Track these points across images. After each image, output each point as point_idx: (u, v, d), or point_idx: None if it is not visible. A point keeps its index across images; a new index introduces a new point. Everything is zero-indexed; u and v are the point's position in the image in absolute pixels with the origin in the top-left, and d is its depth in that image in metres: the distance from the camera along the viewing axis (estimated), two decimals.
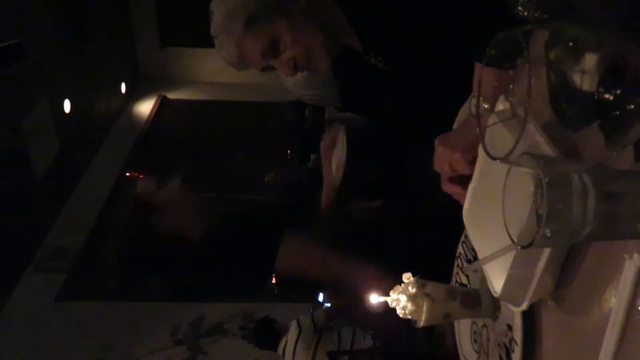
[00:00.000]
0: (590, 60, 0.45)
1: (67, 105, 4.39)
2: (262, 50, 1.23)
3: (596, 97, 0.42)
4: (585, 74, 0.48)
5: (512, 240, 0.57)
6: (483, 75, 0.73)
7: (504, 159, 0.47)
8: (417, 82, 1.23)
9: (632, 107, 0.40)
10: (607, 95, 0.41)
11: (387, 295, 0.87)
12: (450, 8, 1.10)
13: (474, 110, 0.97)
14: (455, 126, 1.10)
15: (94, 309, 3.66)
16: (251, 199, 4.94)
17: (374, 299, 0.87)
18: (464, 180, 0.98)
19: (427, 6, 1.15)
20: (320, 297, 2.88)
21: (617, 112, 0.41)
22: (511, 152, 0.45)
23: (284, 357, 2.59)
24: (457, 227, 1.04)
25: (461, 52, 1.01)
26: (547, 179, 0.51)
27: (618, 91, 0.41)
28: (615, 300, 0.61)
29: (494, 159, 0.49)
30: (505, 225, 0.62)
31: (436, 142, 1.02)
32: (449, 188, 1.03)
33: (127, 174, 4.62)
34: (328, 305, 2.77)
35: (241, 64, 1.29)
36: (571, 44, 0.42)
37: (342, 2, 1.26)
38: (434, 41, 1.13)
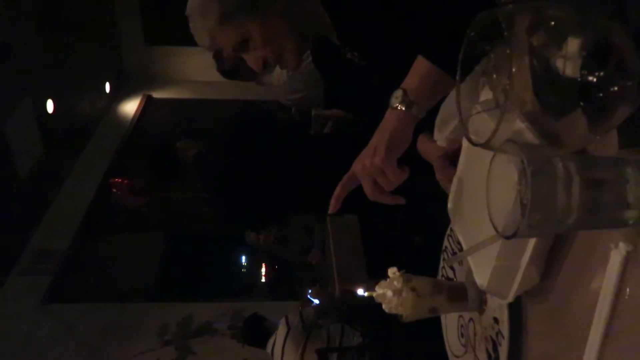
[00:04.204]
0: (573, 44, 0.44)
1: (50, 106, 4.32)
2: (233, 45, 1.25)
3: (579, 79, 0.41)
4: (569, 59, 0.47)
5: (497, 231, 0.56)
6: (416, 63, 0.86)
7: (486, 145, 0.46)
8: (393, 78, 1.22)
9: (616, 88, 0.39)
10: (590, 78, 0.40)
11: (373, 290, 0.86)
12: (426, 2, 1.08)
13: (393, 101, 0.97)
14: (437, 120, 1.08)
15: (81, 311, 3.62)
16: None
17: (360, 294, 0.87)
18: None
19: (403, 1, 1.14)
20: (309, 295, 2.87)
21: (601, 94, 0.40)
22: (493, 135, 0.44)
23: (272, 356, 2.57)
24: (443, 221, 1.03)
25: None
26: (531, 168, 0.51)
27: (602, 73, 0.40)
28: (602, 290, 0.60)
29: (475, 144, 0.48)
30: (490, 217, 0.61)
31: (354, 166, 1.01)
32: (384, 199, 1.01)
33: (110, 181, 4.58)
34: (317, 302, 2.76)
35: (212, 48, 1.31)
36: (553, 23, 0.41)
37: None
38: (410, 35, 1.12)
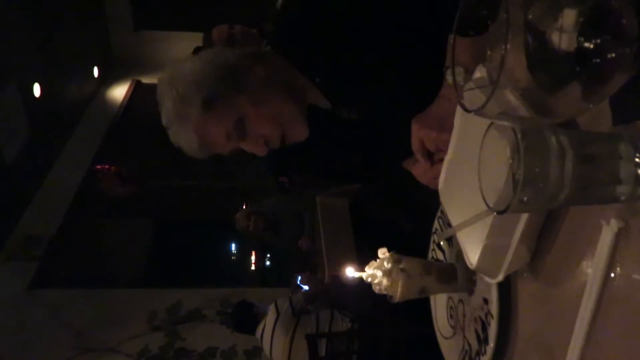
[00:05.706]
0: (569, 16, 0.44)
1: (37, 90, 4.26)
2: (227, 133, 1.09)
3: (576, 46, 0.40)
4: (564, 32, 0.46)
5: (488, 206, 0.56)
6: (457, 44, 0.71)
7: (479, 111, 0.45)
8: (393, 125, 1.15)
9: (613, 55, 0.38)
10: (587, 44, 0.40)
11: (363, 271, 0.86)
12: (412, 40, 1.03)
13: (450, 79, 0.95)
14: None
15: (68, 297, 3.60)
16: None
17: (350, 274, 0.86)
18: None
19: (389, 46, 1.05)
20: (298, 281, 2.87)
21: (597, 60, 0.39)
22: (486, 102, 0.44)
23: (262, 341, 2.57)
24: (433, 203, 1.02)
25: (430, 80, 0.96)
26: (524, 143, 0.50)
27: (598, 40, 0.39)
28: (592, 267, 0.60)
29: (468, 111, 0.48)
30: (482, 196, 0.61)
31: (413, 123, 0.98)
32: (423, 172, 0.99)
33: (96, 167, 4.51)
34: (306, 288, 2.76)
35: (203, 152, 1.14)
36: None
37: (299, 64, 1.15)
38: (403, 80, 1.07)
